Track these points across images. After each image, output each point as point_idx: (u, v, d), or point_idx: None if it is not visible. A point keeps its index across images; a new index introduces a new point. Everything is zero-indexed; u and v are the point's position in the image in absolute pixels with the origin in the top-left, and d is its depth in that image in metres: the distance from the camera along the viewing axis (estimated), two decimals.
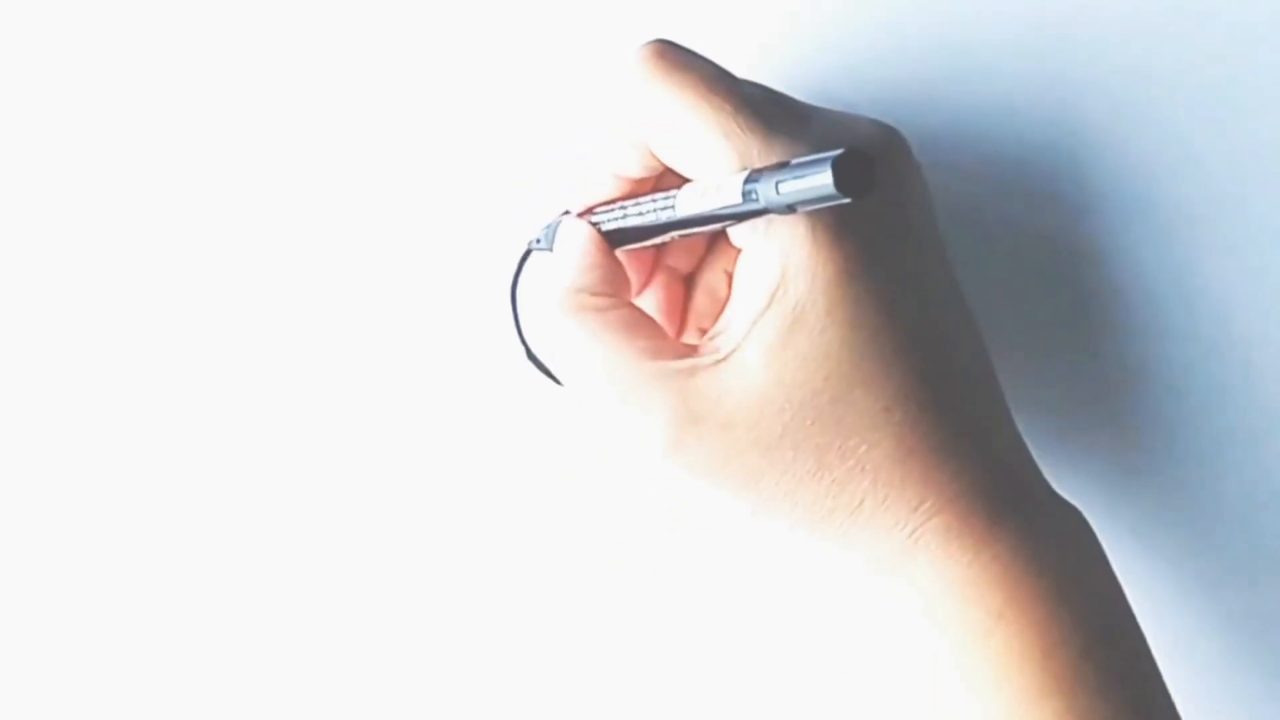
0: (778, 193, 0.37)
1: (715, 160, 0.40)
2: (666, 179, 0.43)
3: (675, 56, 0.41)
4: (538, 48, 0.48)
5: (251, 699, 0.48)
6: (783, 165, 0.37)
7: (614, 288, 0.43)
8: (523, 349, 0.48)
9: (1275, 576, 0.47)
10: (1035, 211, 0.47)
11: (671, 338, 0.43)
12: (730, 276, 0.43)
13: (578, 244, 0.43)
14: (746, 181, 0.38)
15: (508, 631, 0.48)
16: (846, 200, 0.35)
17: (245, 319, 0.48)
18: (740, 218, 0.39)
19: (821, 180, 0.35)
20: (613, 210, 0.44)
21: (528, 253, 0.48)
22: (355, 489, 0.48)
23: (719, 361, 0.40)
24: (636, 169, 0.42)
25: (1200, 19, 0.47)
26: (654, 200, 0.42)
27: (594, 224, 0.44)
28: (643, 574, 0.48)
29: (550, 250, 0.46)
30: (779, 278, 0.39)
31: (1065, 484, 0.43)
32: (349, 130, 0.48)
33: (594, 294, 0.43)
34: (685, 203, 0.40)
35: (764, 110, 0.40)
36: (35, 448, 0.48)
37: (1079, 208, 0.47)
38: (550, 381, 0.48)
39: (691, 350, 0.41)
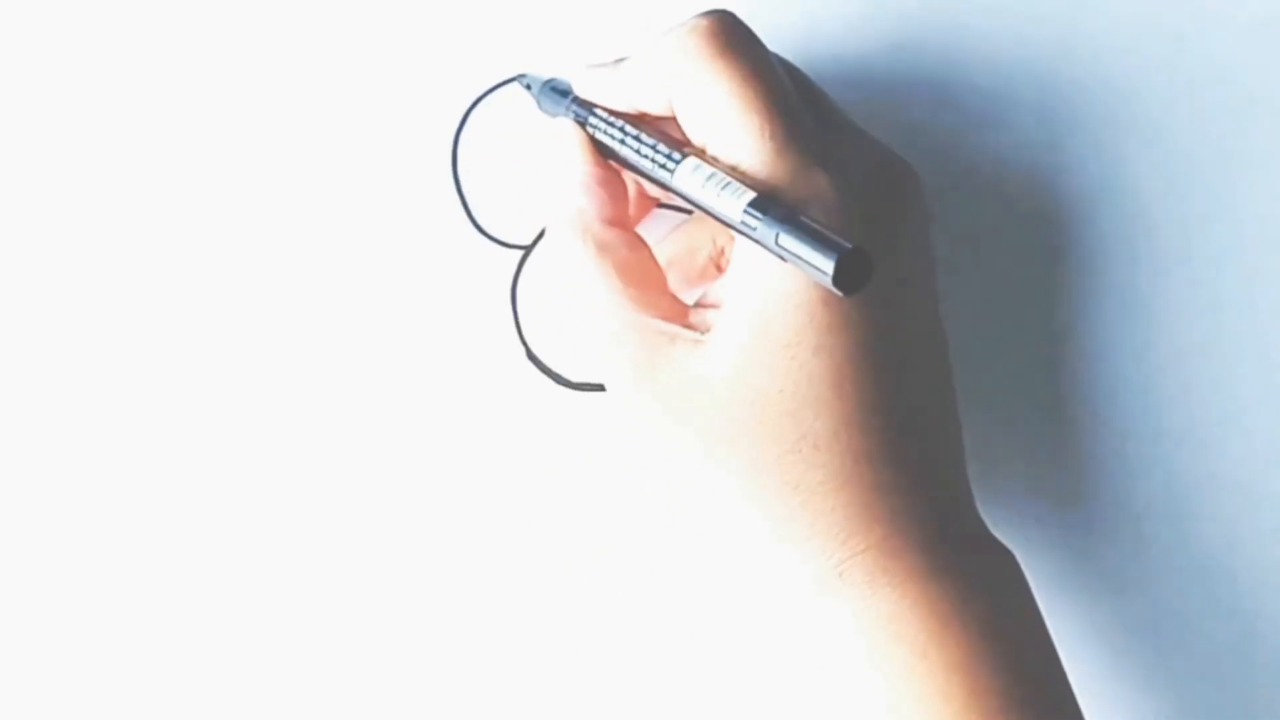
0: (776, 242, 0.37)
1: (733, 154, 0.40)
2: (673, 123, 0.43)
3: (730, 38, 0.41)
4: (536, 47, 0.48)
5: (240, 692, 0.48)
6: (791, 216, 0.37)
7: (614, 207, 0.44)
8: (522, 348, 0.48)
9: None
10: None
11: (665, 290, 0.44)
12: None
13: (576, 158, 0.44)
14: (750, 206, 0.38)
15: (497, 622, 0.48)
16: (836, 292, 0.36)
17: (239, 313, 0.48)
18: (730, 226, 0.39)
19: (821, 265, 0.36)
20: (613, 126, 0.43)
21: (527, 253, 0.48)
22: (347, 483, 0.48)
23: (696, 338, 0.41)
24: (653, 108, 0.43)
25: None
26: (655, 149, 0.42)
27: (590, 128, 0.44)
28: (633, 563, 0.48)
29: (535, 100, 0.46)
30: (762, 289, 0.40)
31: (1000, 523, 0.44)
32: (348, 130, 0.48)
33: (601, 218, 0.44)
34: (684, 180, 0.41)
35: (796, 121, 0.41)
36: (34, 448, 0.48)
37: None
38: (550, 380, 0.48)
39: (679, 314, 0.43)
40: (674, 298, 0.44)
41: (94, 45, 0.49)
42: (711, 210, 0.40)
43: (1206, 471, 0.47)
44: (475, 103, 0.48)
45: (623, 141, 0.43)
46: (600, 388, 0.47)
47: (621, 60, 0.44)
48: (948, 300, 0.46)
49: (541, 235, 0.48)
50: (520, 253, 0.48)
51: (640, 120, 0.43)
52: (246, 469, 0.48)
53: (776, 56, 0.44)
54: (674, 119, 0.42)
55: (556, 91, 0.45)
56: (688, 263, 0.45)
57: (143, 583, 0.48)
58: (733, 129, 0.40)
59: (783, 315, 0.40)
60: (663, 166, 0.41)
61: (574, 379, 0.48)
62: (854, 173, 0.41)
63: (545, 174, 0.48)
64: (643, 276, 0.43)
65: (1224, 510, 0.47)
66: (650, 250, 0.44)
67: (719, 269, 0.45)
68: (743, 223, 0.39)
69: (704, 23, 0.41)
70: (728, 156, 0.41)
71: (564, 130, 0.44)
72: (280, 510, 0.48)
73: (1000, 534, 0.43)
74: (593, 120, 0.44)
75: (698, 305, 0.43)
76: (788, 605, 0.41)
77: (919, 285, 0.43)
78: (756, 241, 0.38)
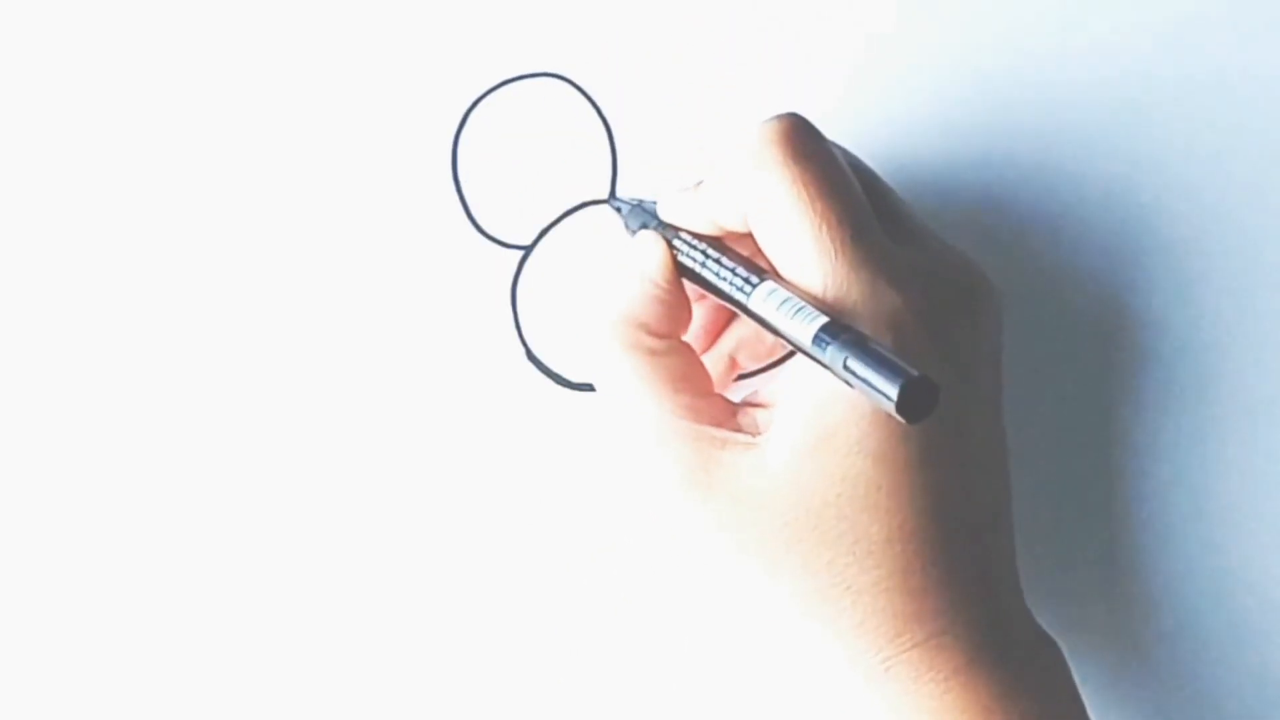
0: (844, 367, 0.37)
1: (805, 271, 0.40)
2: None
3: (801, 142, 0.41)
4: (536, 47, 0.48)
5: (240, 692, 0.48)
6: (859, 341, 0.37)
7: (672, 326, 0.44)
8: (522, 348, 0.48)
9: None
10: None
11: (711, 391, 0.43)
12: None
13: (651, 268, 0.44)
14: (821, 332, 0.38)
15: (497, 622, 0.48)
16: (900, 419, 0.36)
17: (240, 313, 0.48)
18: (802, 351, 0.39)
19: (887, 392, 0.36)
20: (695, 249, 0.43)
21: (527, 253, 0.48)
22: (346, 483, 0.48)
23: (750, 441, 0.41)
24: (733, 225, 0.42)
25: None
26: (735, 273, 0.41)
27: (674, 248, 0.44)
28: (633, 563, 0.48)
29: (622, 220, 0.46)
30: (826, 394, 0.40)
31: (1048, 615, 0.44)
32: (348, 130, 0.48)
33: (651, 332, 0.43)
34: (759, 304, 0.41)
35: (868, 235, 0.41)
36: (34, 448, 0.48)
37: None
38: (550, 380, 0.48)
39: (729, 415, 0.42)
40: (722, 400, 0.43)
41: (94, 45, 0.49)
42: (784, 335, 0.40)
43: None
44: (475, 103, 0.48)
45: (703, 264, 0.43)
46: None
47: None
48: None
49: (542, 235, 0.48)
50: (520, 253, 0.48)
51: (722, 244, 0.43)
52: (246, 469, 0.48)
53: (848, 155, 0.43)
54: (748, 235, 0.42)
55: (645, 213, 0.45)
56: (752, 345, 0.46)
57: (144, 582, 0.48)
58: (804, 245, 0.40)
59: (844, 421, 0.40)
60: (740, 290, 0.41)
61: (574, 379, 0.48)
62: (927, 287, 0.41)
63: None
64: (690, 381, 0.43)
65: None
66: (696, 354, 0.44)
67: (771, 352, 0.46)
68: (813, 348, 0.39)
69: (771, 130, 0.41)
70: (800, 274, 0.40)
71: (647, 242, 0.44)
72: (280, 510, 0.48)
73: (1049, 627, 0.43)
74: (676, 242, 0.44)
75: (745, 404, 0.43)
76: (831, 692, 0.41)
77: (986, 397, 0.43)
78: (826, 366, 0.38)
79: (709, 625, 0.48)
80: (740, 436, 0.41)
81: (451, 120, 0.48)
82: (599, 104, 0.48)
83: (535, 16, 0.48)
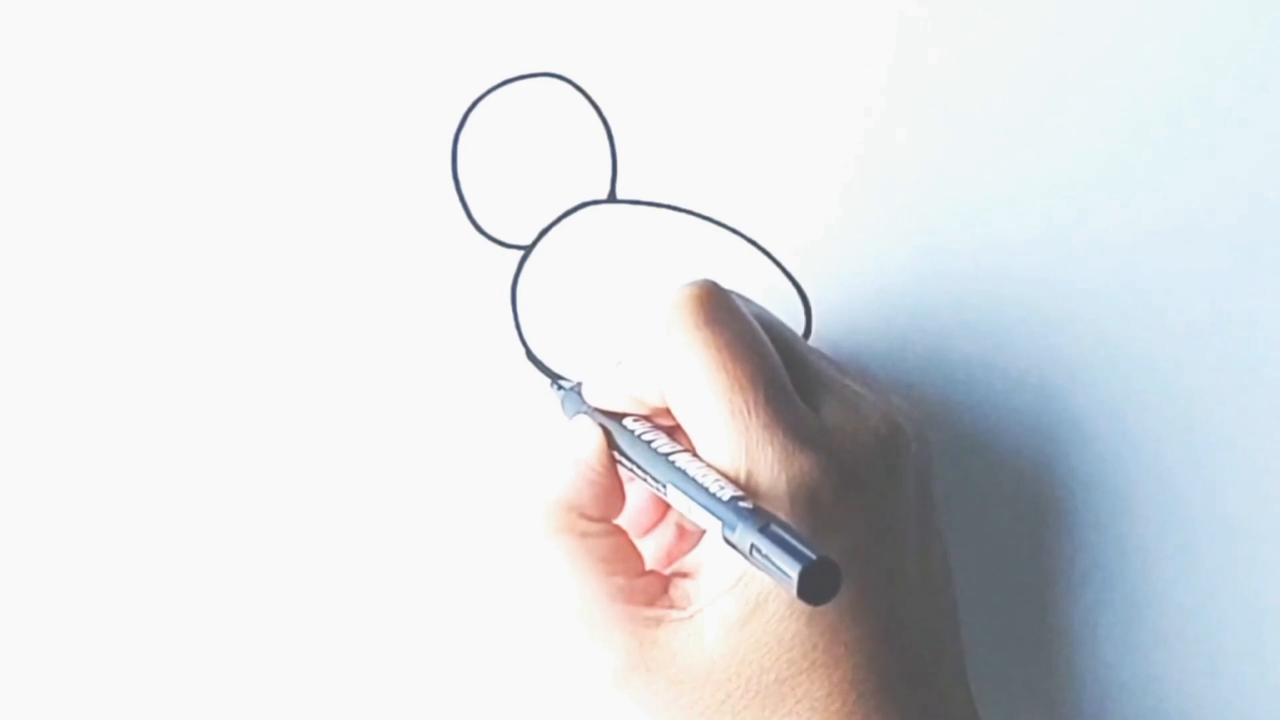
0: (751, 554, 0.37)
1: (718, 440, 0.40)
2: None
3: (710, 308, 0.41)
4: (536, 47, 0.48)
5: (241, 691, 0.48)
6: (765, 527, 0.37)
7: (605, 510, 0.44)
8: (522, 348, 0.48)
9: None
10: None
11: (643, 571, 0.43)
12: None
13: (584, 455, 0.44)
14: (727, 523, 0.38)
15: (495, 621, 0.48)
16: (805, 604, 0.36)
17: (239, 313, 0.48)
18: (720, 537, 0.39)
19: (789, 572, 0.36)
20: (625, 434, 0.43)
21: (527, 253, 0.48)
22: (346, 483, 0.48)
23: (682, 619, 0.41)
24: (653, 400, 0.43)
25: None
26: (650, 469, 0.42)
27: (608, 432, 0.44)
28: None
29: (563, 399, 0.46)
30: (746, 565, 0.40)
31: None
32: (348, 130, 0.48)
33: (584, 515, 0.43)
34: (674, 499, 0.41)
35: (779, 398, 0.41)
36: (33, 447, 0.48)
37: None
38: (550, 381, 0.48)
39: (660, 592, 0.42)
40: (654, 576, 0.43)
41: (94, 45, 0.48)
42: (702, 527, 0.40)
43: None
44: (475, 103, 0.48)
45: (627, 453, 0.43)
46: None
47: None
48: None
49: (542, 235, 0.48)
50: (520, 253, 0.48)
51: (653, 425, 0.43)
52: (246, 468, 0.48)
53: (760, 312, 0.44)
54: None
55: (579, 398, 0.45)
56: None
57: (144, 582, 0.48)
58: (716, 411, 0.40)
59: (772, 587, 0.40)
60: (657, 485, 0.42)
61: (574, 379, 0.48)
62: (841, 444, 0.41)
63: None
64: (624, 562, 0.43)
65: None
66: (627, 535, 0.44)
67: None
68: (724, 538, 0.39)
69: (684, 297, 0.41)
70: (713, 440, 0.40)
71: (582, 427, 0.44)
72: (279, 510, 0.48)
73: None
74: (611, 426, 0.44)
75: (674, 575, 0.43)
76: None
77: (915, 541, 0.43)
78: (739, 552, 0.38)
79: None
80: (674, 613, 0.41)
81: (451, 120, 0.48)
82: (599, 104, 0.48)
83: (535, 16, 0.48)
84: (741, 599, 0.40)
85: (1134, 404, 0.48)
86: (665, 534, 0.45)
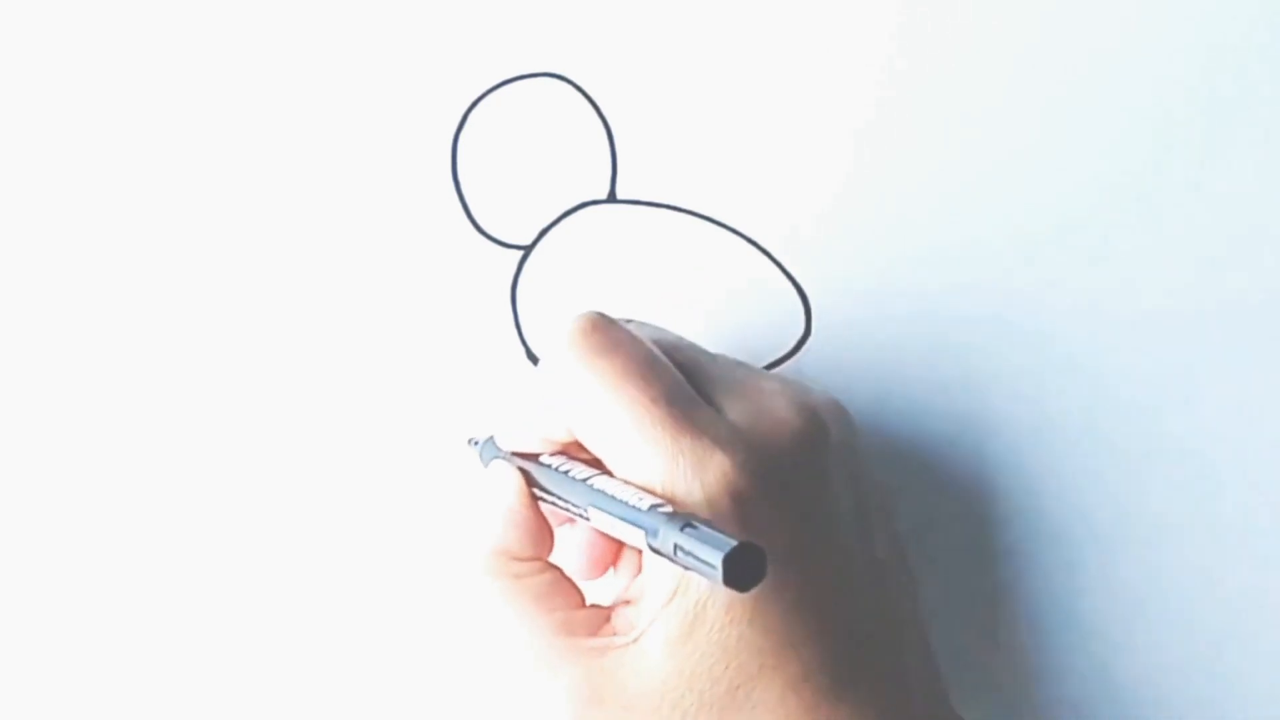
0: (676, 556, 0.37)
1: (631, 457, 0.40)
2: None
3: (597, 338, 0.41)
4: (535, 47, 0.48)
5: (240, 691, 0.49)
6: (685, 526, 0.37)
7: (535, 547, 0.43)
8: (522, 348, 0.48)
9: None
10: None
11: (582, 604, 0.43)
12: None
13: (505, 498, 0.43)
14: (648, 532, 0.38)
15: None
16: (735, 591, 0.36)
17: (239, 313, 0.48)
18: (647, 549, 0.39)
19: (712, 566, 0.36)
20: (540, 469, 0.43)
21: (527, 253, 0.48)
22: (346, 483, 0.48)
23: (626, 645, 0.41)
24: (562, 436, 0.42)
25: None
26: (568, 500, 0.42)
27: (524, 469, 0.43)
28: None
29: (480, 450, 0.45)
30: (680, 576, 0.40)
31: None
32: (348, 130, 0.48)
33: (515, 557, 0.43)
34: (599, 520, 0.41)
35: (682, 403, 0.41)
36: (32, 447, 0.49)
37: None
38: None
39: (603, 621, 0.42)
40: (594, 609, 0.43)
41: (94, 45, 0.49)
42: (627, 542, 0.40)
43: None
44: (475, 103, 0.48)
45: (548, 484, 0.43)
46: None
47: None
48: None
49: (542, 235, 0.48)
50: (520, 253, 0.48)
51: (571, 458, 0.43)
52: (245, 468, 0.48)
53: (654, 333, 0.44)
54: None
55: (497, 446, 0.45)
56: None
57: (146, 581, 0.48)
58: (624, 431, 0.40)
59: (707, 598, 0.39)
60: (580, 514, 0.41)
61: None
62: (754, 439, 0.41)
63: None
64: (561, 597, 0.43)
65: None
66: (561, 571, 0.44)
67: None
68: (647, 546, 0.38)
69: (571, 331, 0.41)
70: (628, 460, 0.40)
71: (500, 471, 0.44)
72: (278, 510, 0.48)
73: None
74: (529, 467, 0.43)
75: (617, 605, 0.43)
76: None
77: (851, 525, 0.42)
78: (664, 556, 0.38)
79: None
80: (618, 639, 0.41)
81: (451, 120, 0.48)
82: (599, 104, 0.48)
83: (535, 16, 0.48)
84: (680, 613, 0.40)
85: (1135, 403, 0.48)
86: (621, 578, 0.45)
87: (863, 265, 0.48)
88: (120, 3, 0.48)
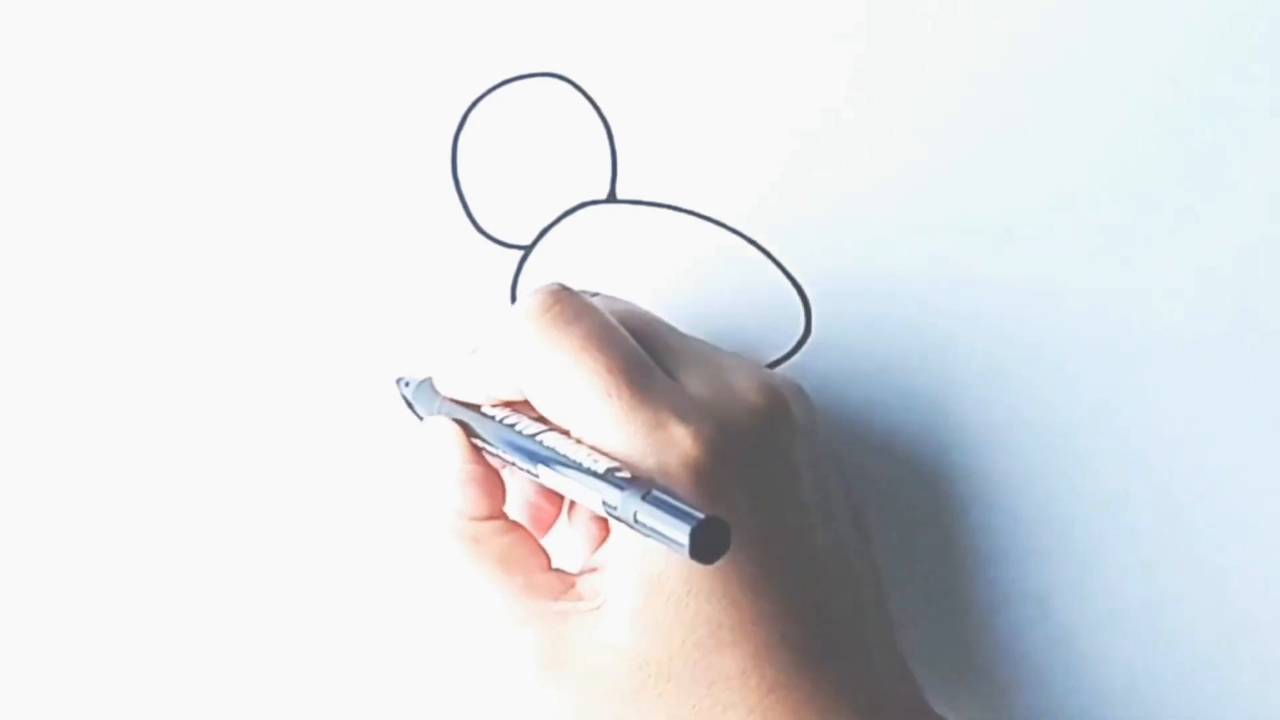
0: (635, 520, 0.37)
1: (586, 424, 0.40)
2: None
3: (560, 310, 0.41)
4: (535, 46, 0.48)
5: (240, 691, 0.49)
6: (646, 494, 0.37)
7: (489, 502, 0.43)
8: None
9: None
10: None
11: (547, 566, 0.43)
12: None
13: (449, 456, 0.43)
14: (607, 493, 0.38)
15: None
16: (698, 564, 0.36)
17: (239, 313, 0.48)
18: (600, 513, 0.39)
19: (677, 539, 0.35)
20: (486, 425, 0.42)
21: (527, 253, 0.48)
22: (345, 483, 0.48)
23: (588, 611, 0.41)
24: (508, 395, 0.42)
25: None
26: (521, 450, 0.41)
27: (461, 420, 0.43)
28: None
29: (409, 401, 0.45)
30: (643, 547, 0.39)
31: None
32: (348, 130, 0.48)
33: (472, 516, 0.43)
34: (550, 479, 0.40)
35: (642, 375, 0.40)
36: (31, 446, 0.49)
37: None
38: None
39: (567, 586, 0.42)
40: (559, 573, 0.43)
41: (94, 45, 0.49)
42: (581, 502, 0.39)
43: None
44: (475, 102, 0.48)
45: (492, 445, 0.42)
46: None
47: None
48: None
49: (542, 235, 0.48)
50: (520, 253, 0.48)
51: (515, 410, 0.42)
52: (244, 468, 0.48)
53: (617, 304, 0.43)
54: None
55: (432, 390, 0.44)
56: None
57: (146, 581, 0.49)
58: (583, 402, 0.40)
59: (667, 569, 0.39)
60: (529, 469, 0.41)
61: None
62: (714, 414, 0.41)
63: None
64: (524, 559, 0.43)
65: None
66: (527, 531, 0.44)
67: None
68: (606, 511, 0.38)
69: (533, 302, 0.41)
70: (582, 428, 0.40)
71: (438, 428, 0.44)
72: (277, 510, 0.48)
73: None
74: (470, 419, 0.43)
75: (583, 573, 0.43)
76: None
77: (817, 504, 0.42)
78: (623, 522, 0.38)
79: None
80: (582, 605, 0.41)
81: (451, 120, 0.48)
82: (599, 104, 0.48)
83: (535, 16, 0.48)
84: (639, 584, 0.40)
85: (1136, 402, 0.48)
86: (578, 534, 0.45)
87: (863, 265, 0.48)
88: (120, 3, 0.49)
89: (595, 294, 0.44)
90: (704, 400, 0.41)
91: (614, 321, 0.42)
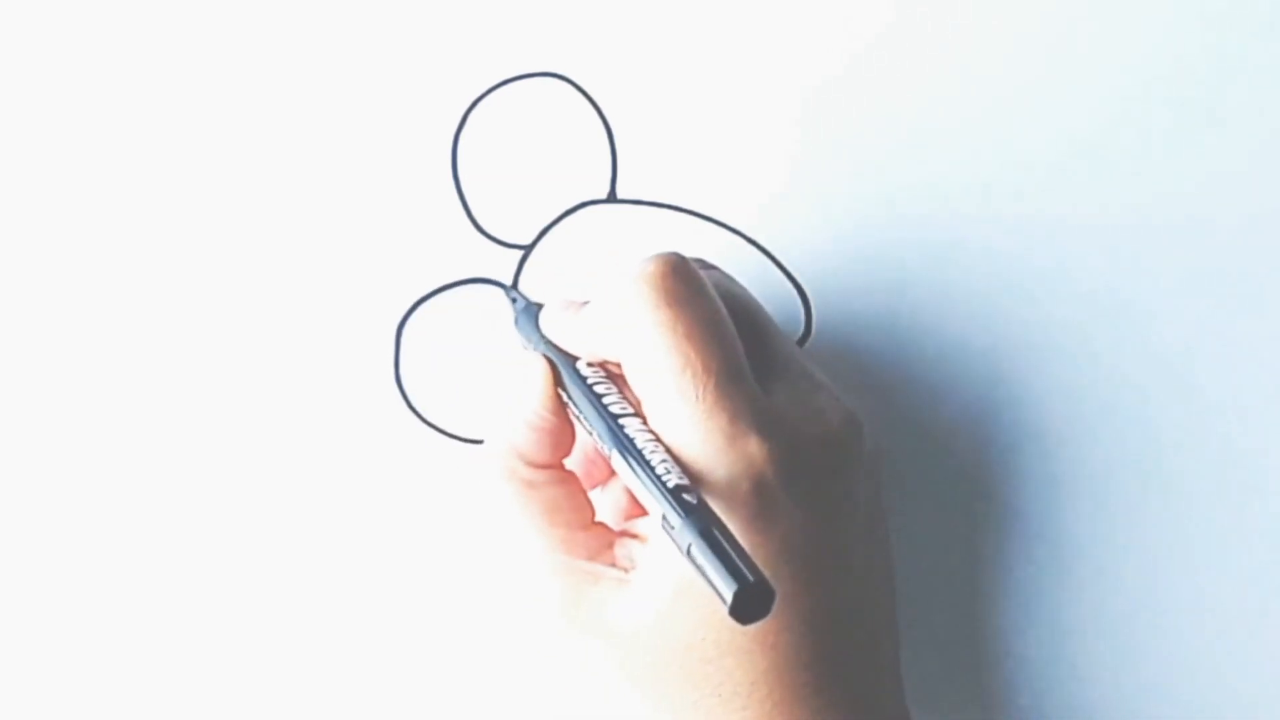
0: (688, 554, 0.37)
1: (667, 416, 0.40)
2: None
3: (674, 286, 0.40)
4: (535, 46, 0.48)
5: (240, 690, 0.49)
6: (706, 530, 0.37)
7: (552, 455, 0.43)
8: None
9: None
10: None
11: (590, 523, 0.43)
12: None
13: (531, 395, 0.43)
14: (668, 511, 0.38)
15: (492, 622, 0.48)
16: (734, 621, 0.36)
17: (238, 313, 0.48)
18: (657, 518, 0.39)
19: (723, 590, 0.35)
20: (577, 384, 0.42)
21: (527, 253, 0.48)
22: (345, 483, 0.48)
23: (617, 580, 0.41)
24: (608, 357, 0.42)
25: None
26: (604, 424, 0.41)
27: (559, 375, 0.43)
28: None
29: (518, 312, 0.45)
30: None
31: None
32: (348, 130, 0.48)
33: (529, 462, 0.43)
34: (620, 467, 0.40)
35: (733, 382, 0.40)
36: (31, 446, 0.49)
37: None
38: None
39: (604, 547, 0.42)
40: (601, 530, 0.43)
41: (94, 45, 0.49)
42: (643, 502, 0.39)
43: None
44: (475, 102, 0.48)
45: (580, 408, 0.42)
46: None
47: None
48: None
49: (542, 235, 0.48)
50: (520, 253, 0.48)
51: (609, 377, 0.42)
52: (243, 468, 0.48)
53: (730, 286, 0.43)
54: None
55: (535, 319, 0.44)
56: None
57: (148, 581, 0.48)
58: (668, 390, 0.40)
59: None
60: (603, 447, 0.41)
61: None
62: (790, 434, 0.40)
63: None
64: (569, 513, 0.43)
65: None
66: (577, 482, 0.44)
67: None
68: (663, 527, 0.38)
69: (649, 269, 0.41)
70: (662, 418, 0.40)
71: (530, 367, 0.44)
72: (276, 510, 0.48)
73: None
74: (564, 370, 0.43)
75: (623, 535, 0.43)
76: None
77: (853, 538, 0.42)
78: (674, 542, 0.38)
79: None
80: (613, 572, 0.41)
81: (451, 120, 0.48)
82: (599, 104, 0.48)
83: (535, 16, 0.48)
84: (673, 576, 0.40)
85: (1136, 405, 0.48)
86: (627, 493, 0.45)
87: (863, 265, 0.48)
88: (120, 3, 0.49)
89: (710, 268, 0.44)
90: (785, 416, 0.41)
91: (723, 312, 0.41)
